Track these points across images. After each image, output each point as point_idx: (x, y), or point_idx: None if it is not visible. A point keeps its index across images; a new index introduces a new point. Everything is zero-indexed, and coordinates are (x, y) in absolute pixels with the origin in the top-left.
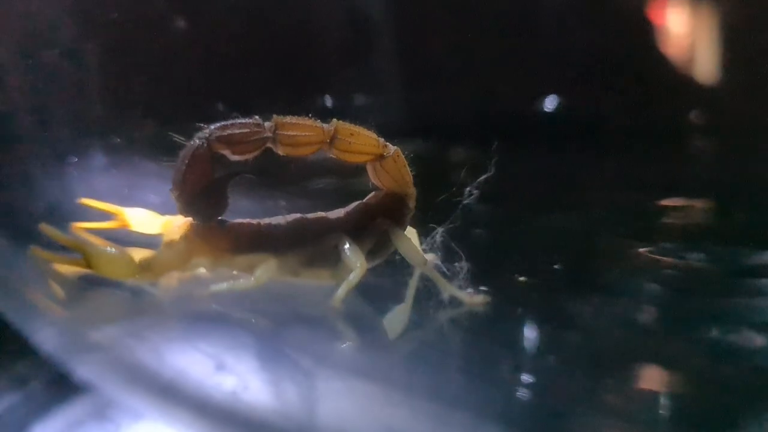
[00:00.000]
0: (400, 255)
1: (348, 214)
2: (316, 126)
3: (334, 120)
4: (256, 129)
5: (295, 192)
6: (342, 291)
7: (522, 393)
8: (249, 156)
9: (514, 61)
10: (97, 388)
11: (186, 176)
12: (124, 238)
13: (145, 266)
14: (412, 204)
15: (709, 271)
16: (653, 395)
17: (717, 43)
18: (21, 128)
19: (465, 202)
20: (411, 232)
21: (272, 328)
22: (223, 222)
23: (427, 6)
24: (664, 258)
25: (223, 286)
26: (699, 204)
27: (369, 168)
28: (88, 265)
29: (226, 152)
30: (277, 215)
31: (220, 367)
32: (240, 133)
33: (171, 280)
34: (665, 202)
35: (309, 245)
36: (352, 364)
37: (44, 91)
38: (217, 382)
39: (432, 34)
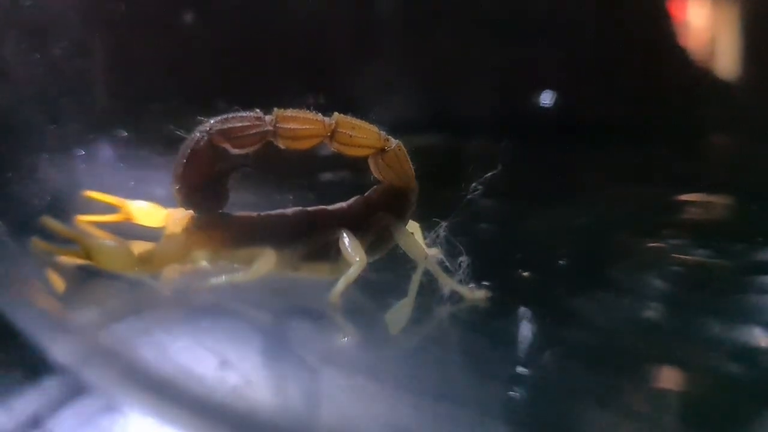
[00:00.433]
0: (402, 250)
1: (349, 207)
2: (317, 119)
3: (336, 113)
4: (256, 122)
5: (305, 186)
6: (340, 285)
7: (525, 390)
8: (250, 149)
9: (526, 56)
10: (96, 385)
11: (186, 169)
12: (129, 230)
13: (146, 259)
14: (413, 198)
15: (719, 267)
16: (661, 393)
17: (736, 38)
18: (29, 121)
19: (468, 197)
20: (414, 227)
21: (274, 323)
22: (223, 215)
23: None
24: (676, 255)
25: (222, 278)
26: (714, 200)
27: (371, 162)
28: (88, 258)
29: (227, 145)
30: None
31: (222, 361)
32: (240, 126)
33: (172, 273)
34: (678, 198)
35: (309, 239)
36: (354, 359)
37: (51, 85)
38: (218, 376)
39: (442, 30)
